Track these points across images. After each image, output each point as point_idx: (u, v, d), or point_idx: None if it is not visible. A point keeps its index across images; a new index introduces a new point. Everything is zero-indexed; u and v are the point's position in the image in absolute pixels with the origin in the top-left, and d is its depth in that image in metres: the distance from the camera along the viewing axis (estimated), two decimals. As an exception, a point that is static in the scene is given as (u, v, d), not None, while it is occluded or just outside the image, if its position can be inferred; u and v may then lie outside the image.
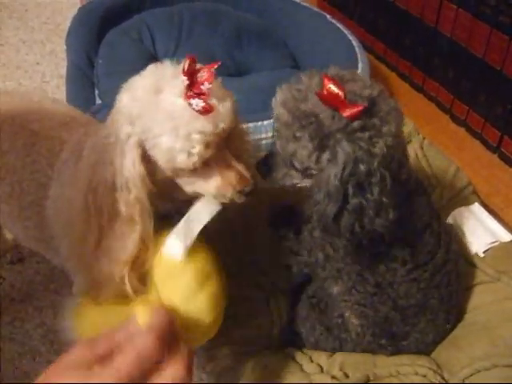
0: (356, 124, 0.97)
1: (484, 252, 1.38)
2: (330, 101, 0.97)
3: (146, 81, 0.95)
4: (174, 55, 2.10)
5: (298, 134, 1.00)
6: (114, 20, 2.11)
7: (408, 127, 1.62)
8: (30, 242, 1.26)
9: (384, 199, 1.01)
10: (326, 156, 1.00)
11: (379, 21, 2.19)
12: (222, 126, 0.94)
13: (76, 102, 1.83)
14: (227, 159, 1.00)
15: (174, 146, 0.91)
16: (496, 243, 1.39)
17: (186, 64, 0.92)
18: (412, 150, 1.58)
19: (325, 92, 0.98)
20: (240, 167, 1.01)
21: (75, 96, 1.87)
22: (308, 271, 1.32)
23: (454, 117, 1.93)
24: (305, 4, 2.16)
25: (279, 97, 1.04)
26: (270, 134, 1.58)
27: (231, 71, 2.06)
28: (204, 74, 0.93)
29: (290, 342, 1.34)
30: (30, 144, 1.16)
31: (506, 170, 1.75)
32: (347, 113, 0.96)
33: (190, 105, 0.90)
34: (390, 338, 1.24)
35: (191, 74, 0.92)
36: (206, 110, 0.90)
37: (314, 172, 1.04)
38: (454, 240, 1.26)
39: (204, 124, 0.91)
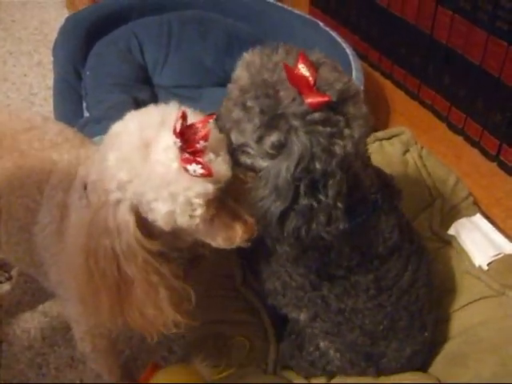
0: (317, 115, 0.88)
1: (488, 265, 1.34)
2: (296, 80, 0.88)
3: (132, 136, 0.88)
4: (164, 64, 2.07)
5: (249, 103, 0.90)
6: (101, 30, 2.07)
7: (406, 136, 1.59)
8: (21, 265, 1.23)
9: (338, 204, 0.92)
10: (271, 139, 0.89)
11: (373, 28, 2.15)
12: (223, 180, 0.89)
13: (63, 115, 1.79)
14: (230, 208, 0.95)
15: (174, 211, 0.87)
16: (500, 255, 1.35)
17: (177, 123, 0.85)
18: (410, 159, 1.55)
19: (295, 70, 0.89)
20: (243, 212, 0.96)
21: (62, 109, 1.82)
22: (271, 301, 1.24)
23: (451, 125, 1.89)
24: (297, 11, 2.13)
25: (246, 57, 0.95)
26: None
27: (222, 81, 2.02)
28: (199, 131, 0.87)
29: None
30: (19, 166, 1.11)
31: (505, 179, 1.71)
32: (309, 99, 0.87)
33: (187, 171, 0.84)
34: (367, 359, 1.19)
35: (182, 133, 0.85)
36: (206, 175, 0.85)
37: (249, 151, 0.93)
38: (425, 257, 1.20)
39: (204, 186, 0.86)
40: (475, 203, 1.52)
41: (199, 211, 0.88)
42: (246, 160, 0.95)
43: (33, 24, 3.04)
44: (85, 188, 0.97)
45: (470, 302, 1.29)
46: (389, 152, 1.60)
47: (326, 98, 0.87)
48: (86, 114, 1.78)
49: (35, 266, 1.12)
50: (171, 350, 1.54)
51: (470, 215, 1.44)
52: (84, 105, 1.83)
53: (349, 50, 1.89)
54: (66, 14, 2.97)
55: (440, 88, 1.90)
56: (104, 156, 0.90)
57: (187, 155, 0.84)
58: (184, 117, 0.86)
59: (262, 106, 0.89)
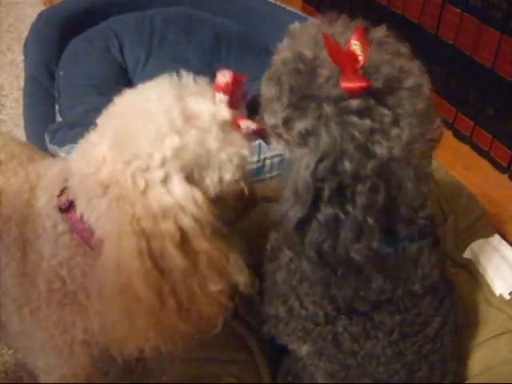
0: (354, 103, 0.74)
1: (510, 294, 1.21)
2: (338, 57, 0.74)
3: (156, 108, 0.84)
4: (145, 64, 1.94)
5: (282, 78, 0.79)
6: (77, 27, 1.94)
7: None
8: None
9: (368, 219, 0.77)
10: (300, 125, 0.77)
11: (372, 27, 2.01)
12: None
13: (34, 118, 1.69)
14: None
15: (229, 173, 0.87)
16: (524, 283, 1.23)
17: (220, 80, 0.86)
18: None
19: (345, 47, 0.74)
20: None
21: (33, 112, 1.71)
22: (268, 328, 1.07)
23: (458, 133, 1.79)
24: (290, 8, 2.01)
25: (297, 26, 0.85)
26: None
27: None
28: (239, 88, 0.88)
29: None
30: None
31: (518, 192, 1.60)
32: (346, 83, 0.72)
33: (239, 128, 0.86)
34: None
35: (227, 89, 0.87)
36: (258, 131, 0.87)
37: (281, 134, 0.81)
38: (454, 298, 1.05)
39: (251, 143, 0.89)
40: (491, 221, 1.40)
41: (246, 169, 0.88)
42: (279, 146, 0.84)
43: (7, 21, 2.92)
44: (66, 207, 0.90)
45: (492, 337, 1.16)
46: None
47: (363, 83, 0.72)
48: (59, 119, 1.65)
49: None
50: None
51: (486, 236, 1.31)
52: (56, 108, 1.70)
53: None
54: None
55: (446, 92, 1.79)
56: (116, 141, 0.84)
57: (236, 112, 0.86)
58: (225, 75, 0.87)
59: (293, 83, 0.77)
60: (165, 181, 0.82)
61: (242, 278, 0.90)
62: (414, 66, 0.80)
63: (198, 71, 0.89)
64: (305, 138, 0.77)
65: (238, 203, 0.94)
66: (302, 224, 0.79)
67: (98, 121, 0.90)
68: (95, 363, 0.97)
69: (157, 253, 0.81)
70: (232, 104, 0.86)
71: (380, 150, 0.74)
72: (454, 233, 1.32)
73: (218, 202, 0.88)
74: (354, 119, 0.74)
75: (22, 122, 1.92)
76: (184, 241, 0.82)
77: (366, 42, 0.75)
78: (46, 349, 0.95)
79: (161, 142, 0.81)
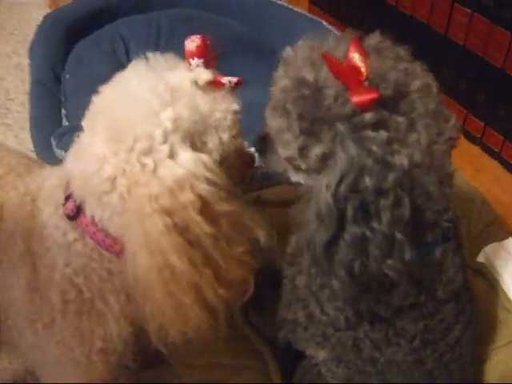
0: (367, 116, 0.72)
1: (526, 298, 1.19)
2: (341, 73, 0.73)
3: (139, 89, 0.84)
4: None
5: (287, 107, 0.77)
6: (83, 30, 1.94)
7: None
8: None
9: (397, 234, 0.74)
10: (316, 150, 0.76)
11: (379, 27, 1.98)
12: None
13: (40, 122, 1.66)
14: None
15: (227, 130, 0.87)
16: (539, 288, 1.20)
17: (190, 45, 0.88)
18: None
19: (344, 62, 0.73)
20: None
21: (39, 116, 1.68)
22: (284, 334, 1.05)
23: (468, 134, 1.75)
24: (298, 9, 1.98)
25: (289, 51, 0.83)
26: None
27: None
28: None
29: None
30: None
31: (532, 195, 1.56)
32: (356, 98, 0.71)
33: (223, 85, 0.87)
34: None
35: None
36: (240, 82, 0.89)
37: (299, 165, 0.80)
38: (475, 307, 1.02)
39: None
40: (504, 225, 1.39)
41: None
42: (298, 177, 0.84)
43: (12, 24, 2.88)
44: (74, 213, 0.88)
45: (508, 343, 1.14)
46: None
47: (374, 95, 0.71)
48: (66, 123, 1.63)
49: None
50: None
51: (500, 240, 1.29)
52: (63, 112, 1.69)
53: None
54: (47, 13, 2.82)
55: (455, 93, 1.76)
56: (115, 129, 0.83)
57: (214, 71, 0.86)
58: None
59: (301, 110, 0.76)
60: (172, 155, 0.82)
61: (261, 232, 0.89)
62: (416, 67, 0.80)
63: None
64: (323, 161, 0.76)
65: (240, 162, 0.94)
66: (330, 245, 0.78)
67: (83, 122, 0.89)
68: (112, 370, 0.97)
69: (182, 225, 0.80)
70: (208, 65, 0.86)
71: (400, 159, 0.73)
72: (467, 238, 1.31)
73: (223, 163, 0.88)
74: (370, 133, 0.72)
75: (27, 126, 1.89)
76: (205, 206, 0.82)
77: (364, 52, 0.74)
78: (61, 362, 0.94)
79: (157, 119, 0.81)
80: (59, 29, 1.88)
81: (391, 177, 0.73)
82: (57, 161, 1.44)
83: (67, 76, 1.76)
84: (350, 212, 0.75)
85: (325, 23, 1.88)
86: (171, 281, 0.81)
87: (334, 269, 0.79)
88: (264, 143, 0.90)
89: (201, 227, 0.81)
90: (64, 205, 0.90)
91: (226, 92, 0.87)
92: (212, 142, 0.85)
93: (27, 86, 2.27)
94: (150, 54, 0.88)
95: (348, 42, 0.76)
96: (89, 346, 0.93)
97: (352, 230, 0.75)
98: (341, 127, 0.73)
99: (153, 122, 0.81)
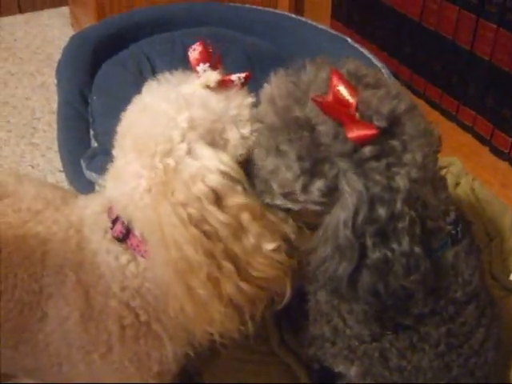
0: (368, 150, 0.74)
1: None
2: (334, 111, 0.74)
3: (158, 98, 0.88)
4: None
5: (282, 148, 0.78)
6: (109, 50, 1.92)
7: (456, 167, 1.42)
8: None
9: (415, 249, 0.77)
10: (318, 185, 0.77)
11: (404, 43, 1.99)
12: None
13: (68, 144, 1.63)
14: None
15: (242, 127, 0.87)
16: None
17: (194, 54, 0.89)
18: (462, 193, 1.38)
19: (330, 96, 0.74)
20: None
21: (67, 137, 1.66)
22: (314, 351, 1.05)
23: (495, 149, 1.75)
24: (323, 27, 1.96)
25: (269, 88, 0.84)
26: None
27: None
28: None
29: None
30: None
31: None
32: (353, 133, 0.73)
33: (232, 82, 0.88)
34: None
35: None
36: (248, 77, 0.90)
37: (298, 198, 0.81)
38: (497, 312, 1.02)
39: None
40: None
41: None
42: (296, 206, 0.83)
43: (35, 43, 2.88)
44: (124, 234, 0.90)
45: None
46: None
47: (372, 132, 0.73)
48: (94, 144, 1.62)
49: (40, 370, 0.98)
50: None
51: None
52: (91, 133, 1.67)
53: (384, 70, 1.70)
54: (70, 32, 2.83)
55: (482, 109, 1.76)
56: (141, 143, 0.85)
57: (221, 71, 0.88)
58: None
59: (299, 151, 0.77)
60: (189, 151, 0.84)
61: (288, 228, 0.89)
62: (396, 87, 0.82)
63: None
64: (328, 195, 0.77)
65: None
66: (352, 276, 0.79)
67: (113, 149, 0.93)
68: None
69: (197, 217, 0.82)
70: (214, 67, 0.88)
71: (401, 180, 0.75)
72: (499, 255, 1.29)
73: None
74: (372, 164, 0.74)
75: (54, 145, 1.91)
76: (220, 199, 0.83)
77: (348, 83, 0.75)
78: None
79: (174, 123, 0.84)
80: (85, 50, 1.87)
81: (399, 200, 0.75)
82: (86, 182, 1.46)
83: (94, 97, 1.74)
84: (369, 241, 0.76)
85: (350, 40, 1.87)
86: (188, 273, 0.82)
87: (358, 296, 0.81)
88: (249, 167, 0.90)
89: (216, 217, 0.82)
90: (112, 228, 0.91)
91: (237, 88, 0.88)
92: (234, 138, 0.86)
93: (53, 105, 2.29)
94: (159, 76, 0.91)
95: (325, 70, 0.79)
96: (146, 371, 0.94)
97: (374, 256, 0.77)
98: (342, 164, 0.75)
99: (171, 126, 0.84)
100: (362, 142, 0.73)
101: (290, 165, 0.77)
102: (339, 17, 2.32)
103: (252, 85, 1.80)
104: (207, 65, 0.88)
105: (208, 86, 0.87)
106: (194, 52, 0.89)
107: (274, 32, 2.02)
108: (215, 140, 0.86)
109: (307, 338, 1.05)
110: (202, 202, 0.82)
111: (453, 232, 0.88)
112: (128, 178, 0.86)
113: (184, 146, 0.84)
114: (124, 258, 0.91)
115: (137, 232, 0.89)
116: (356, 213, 0.75)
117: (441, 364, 0.93)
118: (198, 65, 0.88)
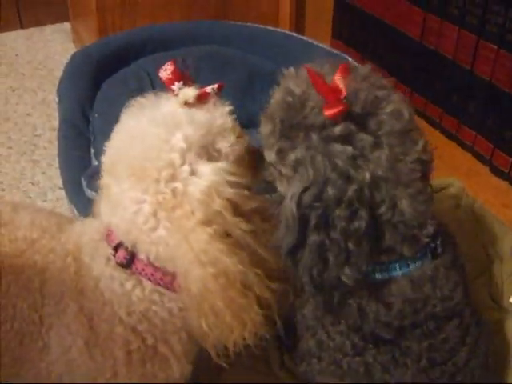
0: (337, 130, 0.79)
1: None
2: (322, 89, 0.80)
3: (141, 123, 0.91)
4: None
5: (274, 113, 0.87)
6: (110, 68, 1.92)
7: (455, 188, 1.41)
8: None
9: (350, 245, 0.80)
10: (291, 156, 0.83)
11: (404, 62, 2.00)
12: None
13: (69, 162, 1.64)
14: None
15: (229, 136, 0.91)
16: None
17: (165, 74, 0.92)
18: (463, 214, 1.37)
19: (330, 82, 0.81)
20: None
21: (67, 155, 1.66)
22: (304, 367, 1.06)
23: (495, 169, 1.74)
24: (323, 45, 1.97)
25: (291, 71, 0.91)
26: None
27: (243, 122, 1.84)
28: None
29: None
30: None
31: None
32: (327, 110, 0.78)
33: (207, 95, 0.91)
34: None
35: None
36: (221, 87, 0.93)
37: (281, 172, 0.87)
38: (485, 332, 1.02)
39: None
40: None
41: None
42: (282, 186, 0.89)
43: (37, 58, 2.89)
44: (128, 259, 0.91)
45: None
46: (438, 210, 1.43)
47: (340, 107, 0.77)
48: (95, 162, 1.62)
49: None
50: None
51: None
52: (92, 151, 1.67)
53: (384, 89, 1.72)
54: (72, 48, 2.84)
55: (482, 128, 1.76)
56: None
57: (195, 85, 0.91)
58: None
59: (283, 115, 0.84)
60: (193, 172, 0.86)
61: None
62: (395, 96, 0.85)
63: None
64: (295, 168, 0.82)
65: (250, 157, 0.97)
66: (295, 251, 0.83)
67: (103, 172, 0.95)
68: None
69: (222, 230, 0.85)
70: (187, 83, 0.91)
71: (360, 174, 0.78)
72: (499, 277, 1.29)
73: (240, 163, 0.92)
74: (337, 147, 0.78)
75: (55, 163, 1.90)
76: (236, 208, 0.86)
77: (347, 76, 0.82)
78: None
79: (169, 145, 0.86)
80: (87, 67, 1.88)
81: (351, 189, 0.78)
82: (87, 200, 1.45)
83: (96, 115, 1.75)
84: (312, 221, 0.80)
85: (350, 59, 1.88)
86: (228, 286, 0.84)
87: (299, 273, 0.85)
88: (259, 157, 0.95)
89: (240, 227, 0.85)
90: (114, 255, 0.91)
91: (214, 99, 0.92)
92: (224, 147, 0.90)
93: (54, 122, 2.29)
94: (131, 101, 0.96)
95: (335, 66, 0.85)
96: None
97: (313, 238, 0.81)
98: (314, 136, 0.79)
99: (166, 149, 0.86)
100: (333, 118, 0.78)
101: (274, 128, 0.85)
102: (340, 36, 2.32)
103: (251, 103, 1.81)
104: (181, 82, 0.90)
105: (186, 103, 0.89)
106: (166, 72, 0.92)
107: (275, 51, 2.02)
108: (210, 153, 0.89)
109: (298, 355, 1.07)
110: (223, 215, 0.84)
111: (432, 245, 0.90)
112: (127, 204, 0.86)
113: (187, 168, 0.86)
114: (129, 284, 0.91)
115: (142, 256, 0.90)
116: (306, 188, 0.79)
117: (424, 380, 0.94)
118: (173, 84, 0.90)
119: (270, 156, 0.88)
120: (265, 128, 0.89)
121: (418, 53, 1.91)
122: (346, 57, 1.90)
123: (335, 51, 1.96)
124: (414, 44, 1.92)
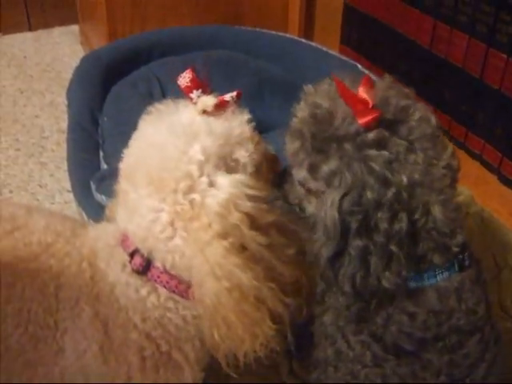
0: (371, 136, 0.79)
1: None
2: (350, 99, 0.81)
3: (162, 132, 0.90)
4: None
5: (303, 129, 0.84)
6: (120, 71, 1.93)
7: (465, 196, 1.42)
8: None
9: (393, 247, 0.80)
10: (325, 168, 0.82)
11: (413, 70, 1.99)
12: None
13: (78, 165, 1.64)
14: None
15: (248, 145, 0.91)
16: None
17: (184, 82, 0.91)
18: (472, 222, 1.37)
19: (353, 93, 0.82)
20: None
21: (77, 158, 1.67)
22: (317, 375, 1.04)
23: (504, 177, 1.73)
24: (332, 52, 1.97)
25: (306, 89, 0.89)
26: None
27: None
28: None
29: None
30: (9, 288, 0.92)
31: None
32: (360, 118, 0.78)
33: (227, 102, 0.91)
34: None
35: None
36: (240, 95, 0.94)
37: (312, 187, 0.87)
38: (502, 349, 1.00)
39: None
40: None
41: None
42: (311, 207, 0.89)
43: (45, 60, 2.90)
44: (143, 266, 0.91)
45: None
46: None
47: (374, 114, 0.78)
48: (104, 165, 1.62)
49: None
50: None
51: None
52: (101, 154, 1.68)
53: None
54: (80, 50, 2.86)
55: (491, 138, 1.75)
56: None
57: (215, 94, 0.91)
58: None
59: (313, 130, 0.83)
60: (211, 183, 0.86)
61: (305, 234, 0.91)
62: (419, 105, 0.86)
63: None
64: (329, 180, 0.82)
65: (269, 164, 0.98)
66: (336, 259, 0.83)
67: (121, 179, 0.94)
68: None
69: (239, 244, 0.84)
70: (206, 91, 0.91)
71: (397, 178, 0.78)
72: (508, 286, 1.29)
73: (258, 172, 0.92)
74: (372, 152, 0.78)
75: (63, 165, 1.91)
76: (253, 222, 0.85)
77: (372, 88, 0.83)
78: None
79: (187, 156, 0.86)
80: (96, 71, 1.89)
81: (390, 192, 0.78)
82: (96, 204, 1.46)
83: (105, 118, 1.75)
84: (353, 225, 0.80)
85: (360, 66, 1.88)
86: (242, 300, 0.84)
87: (339, 282, 0.84)
88: (283, 176, 0.95)
89: (256, 241, 0.85)
90: (130, 261, 0.92)
91: (233, 108, 0.92)
92: (242, 156, 0.89)
93: (62, 124, 2.30)
94: (151, 108, 0.94)
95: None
96: None
97: (355, 243, 0.81)
98: (347, 146, 0.79)
99: (185, 160, 0.85)
100: (367, 125, 0.79)
101: (304, 144, 0.84)
102: (348, 42, 2.32)
103: (261, 108, 1.81)
104: (200, 90, 0.90)
105: (205, 111, 0.88)
106: (184, 80, 0.91)
107: (284, 56, 2.04)
108: (228, 164, 0.88)
109: (312, 362, 1.05)
110: (240, 229, 0.84)
111: (460, 256, 0.89)
112: (144, 212, 0.87)
113: (205, 180, 0.86)
114: (144, 290, 0.92)
115: (158, 263, 0.90)
116: (345, 193, 0.79)
117: None
118: (191, 92, 0.90)
119: (299, 173, 0.87)
120: (292, 145, 0.87)
121: (427, 60, 1.91)
122: (356, 64, 1.90)
123: (344, 58, 1.97)
124: (424, 52, 1.91)
